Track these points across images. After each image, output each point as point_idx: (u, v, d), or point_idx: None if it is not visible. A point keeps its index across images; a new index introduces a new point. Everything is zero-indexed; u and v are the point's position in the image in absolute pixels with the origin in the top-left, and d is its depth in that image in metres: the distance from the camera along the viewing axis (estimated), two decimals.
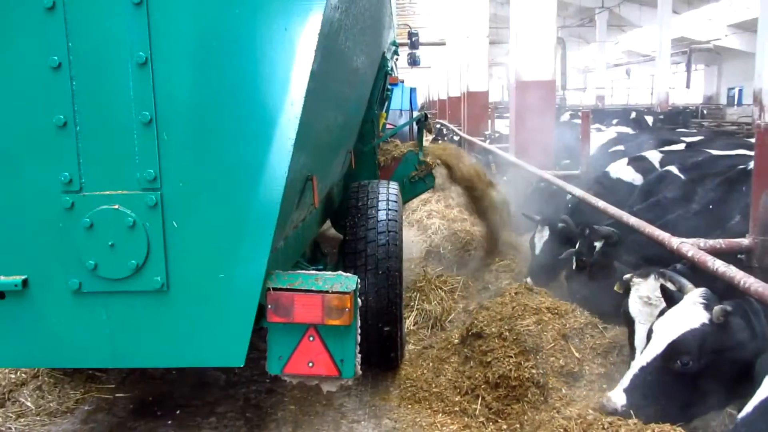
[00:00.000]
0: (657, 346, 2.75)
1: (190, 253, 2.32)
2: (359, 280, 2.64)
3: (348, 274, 2.55)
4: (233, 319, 2.35)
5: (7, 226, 2.31)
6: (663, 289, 3.08)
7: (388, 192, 4.29)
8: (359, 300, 2.63)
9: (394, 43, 7.81)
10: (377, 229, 3.98)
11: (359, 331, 2.59)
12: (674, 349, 2.68)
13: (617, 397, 2.73)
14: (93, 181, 2.28)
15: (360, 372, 2.59)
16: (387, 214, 4.08)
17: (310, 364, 2.49)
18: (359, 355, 2.56)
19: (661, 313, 3.01)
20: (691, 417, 2.81)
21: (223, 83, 2.26)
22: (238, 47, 2.25)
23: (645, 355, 2.79)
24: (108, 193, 2.29)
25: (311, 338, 2.48)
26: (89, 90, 2.23)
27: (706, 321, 2.68)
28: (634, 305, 3.30)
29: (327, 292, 2.43)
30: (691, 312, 2.75)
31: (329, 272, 2.58)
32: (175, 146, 2.26)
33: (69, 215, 2.28)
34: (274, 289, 2.43)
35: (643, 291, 3.27)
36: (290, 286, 2.44)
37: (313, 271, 2.58)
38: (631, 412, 2.68)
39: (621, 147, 7.64)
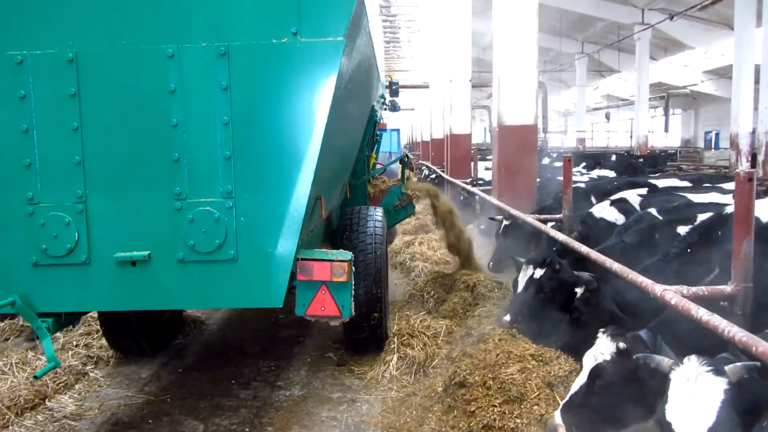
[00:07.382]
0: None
1: (250, 237, 3.72)
2: (353, 257, 4.11)
3: (346, 251, 4.03)
4: (276, 278, 3.73)
5: (140, 221, 3.73)
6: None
7: (374, 214, 5.72)
8: (353, 268, 4.10)
9: (382, 96, 9.34)
10: (366, 241, 5.40)
11: (353, 287, 4.04)
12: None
13: None
14: (194, 193, 3.70)
15: (354, 313, 4.02)
16: (374, 230, 5.50)
17: (323, 308, 3.94)
18: (353, 303, 4.01)
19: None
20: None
21: (273, 136, 3.71)
22: (282, 115, 3.71)
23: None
24: (203, 200, 3.70)
25: (323, 291, 3.92)
26: (193, 138, 3.68)
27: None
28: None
29: (333, 260, 3.89)
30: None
31: (334, 250, 4.05)
32: (243, 173, 3.69)
33: (179, 214, 3.70)
34: (301, 259, 3.87)
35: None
36: (311, 257, 3.90)
37: (325, 249, 4.05)
38: None
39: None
